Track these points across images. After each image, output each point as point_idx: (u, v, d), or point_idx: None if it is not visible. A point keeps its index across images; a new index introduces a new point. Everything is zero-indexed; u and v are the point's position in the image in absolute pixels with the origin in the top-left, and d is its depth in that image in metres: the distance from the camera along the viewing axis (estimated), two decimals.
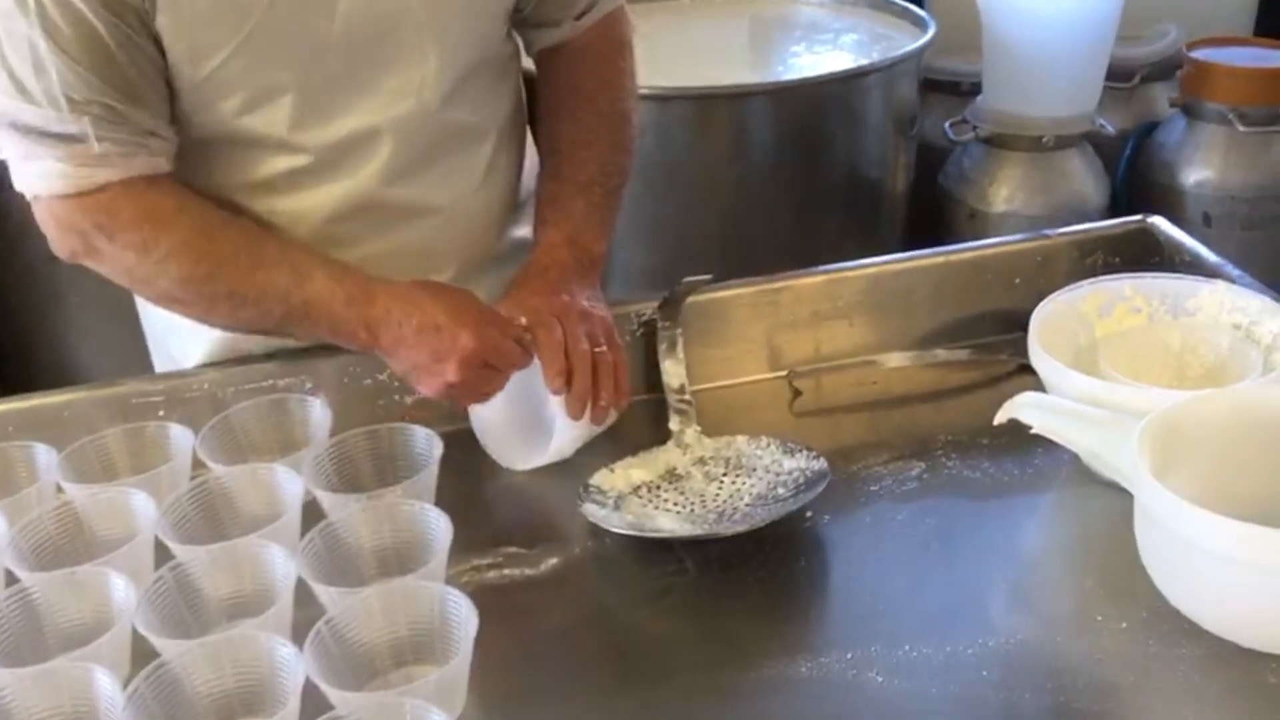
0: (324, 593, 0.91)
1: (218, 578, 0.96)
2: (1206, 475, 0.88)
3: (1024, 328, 1.19)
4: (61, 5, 0.96)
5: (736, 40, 2.56)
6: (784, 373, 1.22)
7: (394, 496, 1.00)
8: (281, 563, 0.93)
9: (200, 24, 1.01)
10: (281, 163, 1.11)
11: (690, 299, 1.20)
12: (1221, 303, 1.07)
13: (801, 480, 1.02)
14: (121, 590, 0.92)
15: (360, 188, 1.14)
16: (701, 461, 1.09)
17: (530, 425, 1.11)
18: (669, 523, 1.02)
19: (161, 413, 1.15)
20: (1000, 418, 0.98)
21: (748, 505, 1.03)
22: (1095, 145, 2.54)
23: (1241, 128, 2.48)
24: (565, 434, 1.08)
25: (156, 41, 1.01)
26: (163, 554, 0.97)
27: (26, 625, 0.93)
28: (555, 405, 1.07)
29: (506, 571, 1.00)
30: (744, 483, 1.05)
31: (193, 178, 1.10)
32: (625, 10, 1.25)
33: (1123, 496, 0.92)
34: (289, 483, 1.02)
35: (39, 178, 1.02)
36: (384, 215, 1.16)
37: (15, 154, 1.03)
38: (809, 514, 1.02)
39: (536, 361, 1.07)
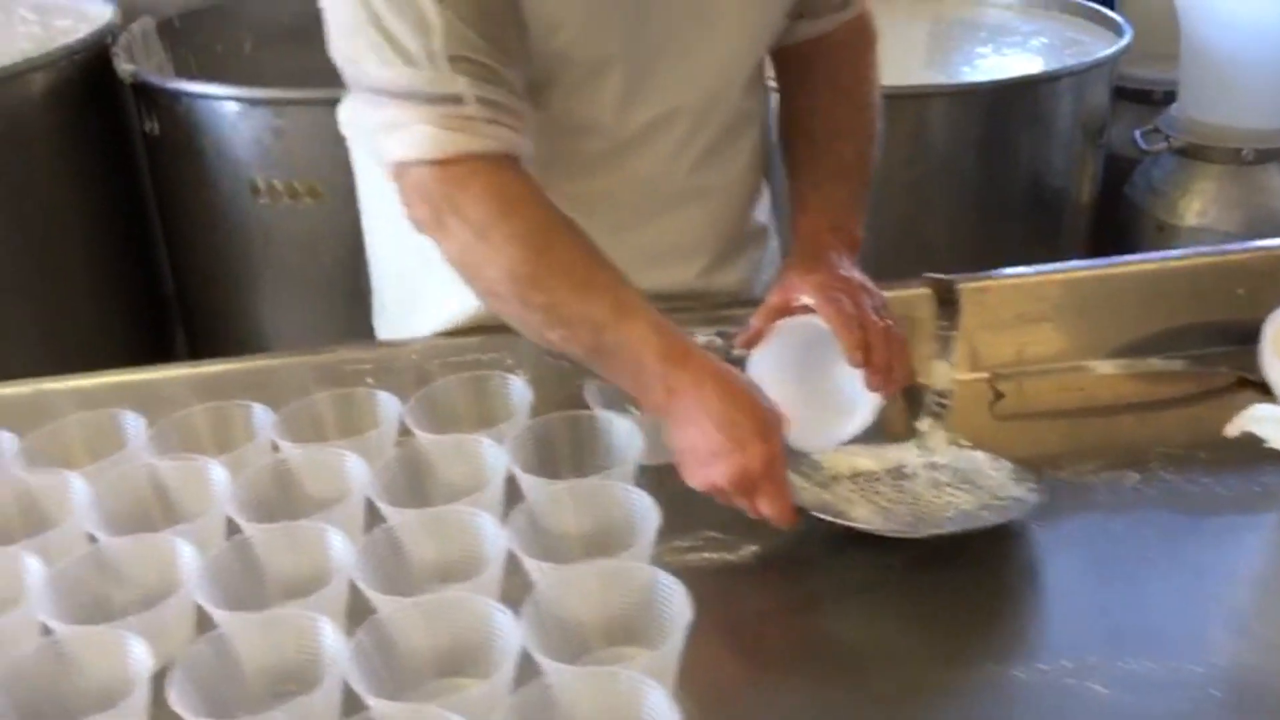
0: (534, 567, 0.92)
1: (425, 543, 0.98)
2: None
3: (1244, 340, 1.14)
4: None
5: (918, 40, 2.52)
6: (985, 375, 1.19)
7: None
8: (491, 531, 0.95)
9: (546, 5, 1.03)
10: (590, 144, 1.13)
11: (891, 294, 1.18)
12: None
13: (1013, 509, 1.00)
14: (339, 546, 0.95)
15: (651, 170, 1.16)
16: (933, 466, 1.07)
17: (817, 403, 1.09)
18: (865, 514, 1.01)
19: (370, 380, 1.18)
20: (1232, 430, 0.94)
21: (949, 518, 1.01)
22: None
23: None
24: (865, 408, 1.06)
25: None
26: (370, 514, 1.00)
27: (247, 574, 0.97)
28: (849, 380, 1.06)
29: (707, 555, 1.00)
30: (962, 498, 1.03)
31: None
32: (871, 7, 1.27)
33: None
34: (494, 456, 1.04)
35: (406, 144, 1.02)
36: (663, 199, 1.18)
37: (382, 123, 1.04)
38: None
39: (820, 337, 1.05)
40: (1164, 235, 2.41)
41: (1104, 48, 2.33)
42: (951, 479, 1.05)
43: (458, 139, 1.01)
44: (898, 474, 1.06)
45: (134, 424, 1.12)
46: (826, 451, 1.07)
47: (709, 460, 0.97)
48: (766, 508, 0.97)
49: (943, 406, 1.11)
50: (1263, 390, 1.09)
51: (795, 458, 1.03)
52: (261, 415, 1.13)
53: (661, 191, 1.18)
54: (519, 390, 1.14)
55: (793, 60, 1.22)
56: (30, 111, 2.02)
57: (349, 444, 1.08)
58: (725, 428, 0.96)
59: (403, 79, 1.01)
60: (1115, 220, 2.50)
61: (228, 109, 1.96)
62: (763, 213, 1.31)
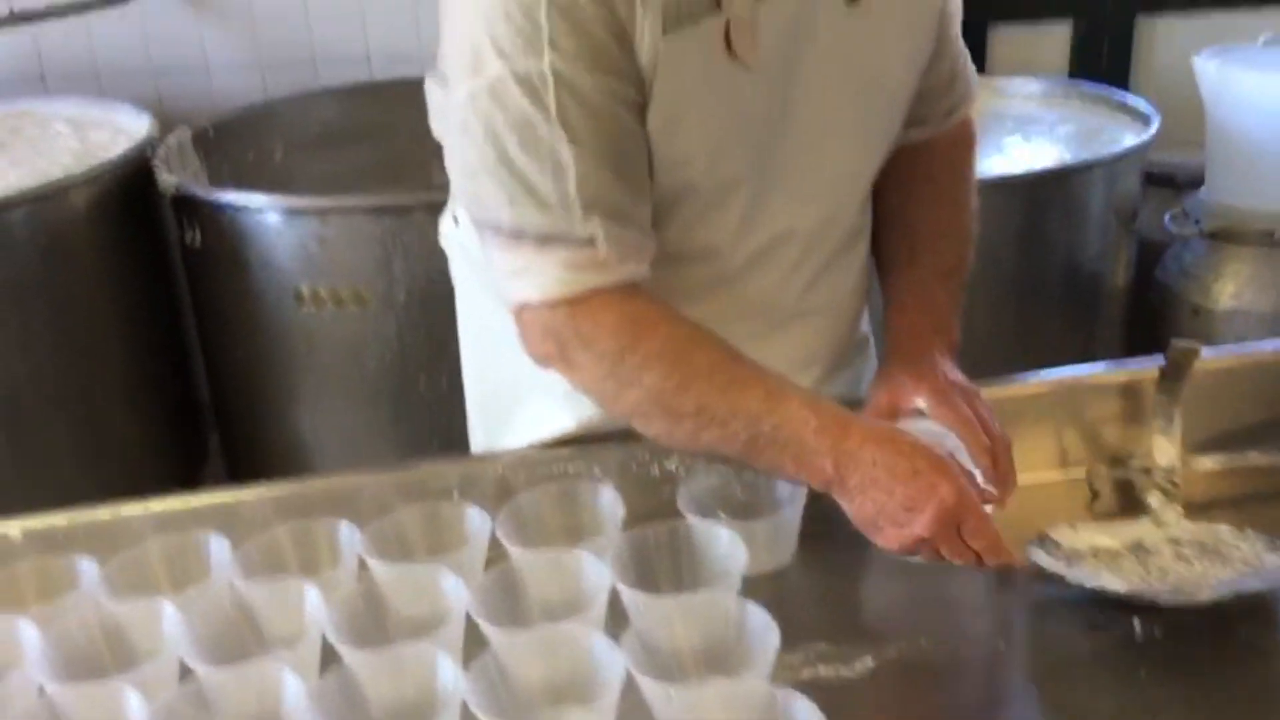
0: (649, 688, 0.89)
1: (533, 664, 0.95)
2: None
3: None
4: (583, 105, 0.97)
5: None
6: (1081, 473, 1.18)
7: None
8: (604, 652, 0.92)
9: (679, 137, 1.03)
10: (704, 271, 1.12)
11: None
12: None
13: None
14: (447, 671, 0.92)
15: (764, 293, 1.15)
16: (1175, 541, 1.06)
17: None
18: (1119, 584, 1.00)
19: (456, 494, 1.16)
20: None
21: (1212, 586, 0.99)
22: None
23: None
24: None
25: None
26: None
27: (349, 703, 0.93)
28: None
29: (821, 671, 0.97)
30: (1215, 569, 1.01)
31: None
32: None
33: None
34: (595, 571, 1.02)
35: (535, 286, 1.02)
36: (775, 319, 1.17)
37: (511, 268, 1.03)
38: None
39: (933, 442, 1.03)
40: (1200, 319, 2.42)
41: (1126, 133, 2.37)
42: (1199, 553, 1.04)
43: (587, 278, 1.01)
44: (1139, 549, 1.05)
45: (218, 547, 1.10)
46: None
47: (904, 516, 0.96)
48: (977, 541, 0.96)
49: (1173, 483, 1.10)
50: None
51: (1039, 538, 1.05)
52: (348, 533, 1.10)
53: (773, 312, 1.17)
54: (609, 500, 1.12)
55: (894, 159, 1.21)
56: (72, 226, 2.02)
57: (445, 560, 1.06)
58: (908, 479, 0.96)
59: (535, 222, 1.01)
60: (1150, 304, 2.51)
61: (271, 218, 1.97)
62: (864, 321, 1.30)
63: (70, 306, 2.05)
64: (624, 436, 1.16)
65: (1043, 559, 1.01)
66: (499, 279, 1.06)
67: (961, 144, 1.26)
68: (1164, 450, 1.12)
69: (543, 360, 1.07)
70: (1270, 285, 2.37)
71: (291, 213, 1.95)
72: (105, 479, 2.13)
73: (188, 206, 2.06)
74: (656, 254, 1.08)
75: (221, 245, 2.03)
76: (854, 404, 1.14)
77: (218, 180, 2.28)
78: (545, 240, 1.00)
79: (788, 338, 1.18)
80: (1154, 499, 1.11)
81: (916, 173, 1.22)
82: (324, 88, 2.68)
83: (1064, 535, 1.05)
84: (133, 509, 1.16)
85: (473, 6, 0.99)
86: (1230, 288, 2.39)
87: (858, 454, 0.97)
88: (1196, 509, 1.14)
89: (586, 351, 1.03)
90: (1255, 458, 1.15)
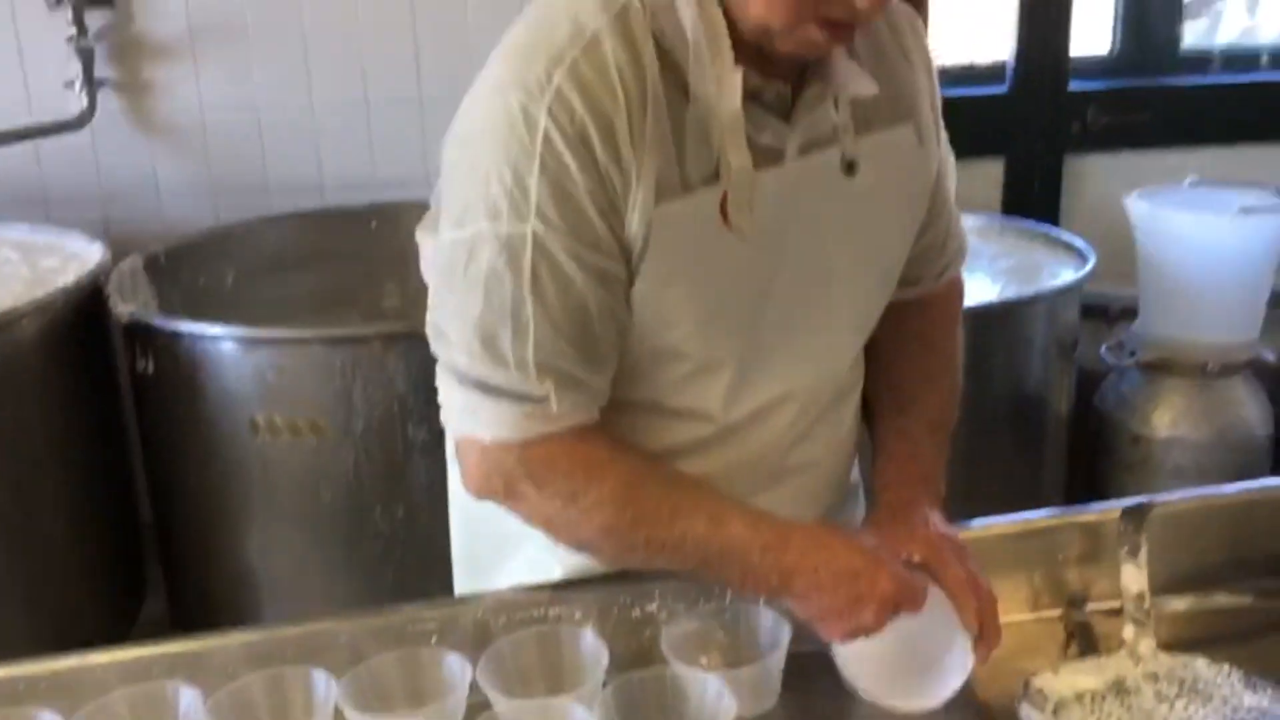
0: None
1: None
2: None
3: None
4: (555, 274, 1.00)
5: None
6: (1057, 612, 1.19)
7: None
8: None
9: (668, 306, 1.05)
10: (695, 430, 1.13)
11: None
12: None
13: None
14: None
15: (758, 451, 1.16)
16: (1154, 678, 1.07)
17: (915, 661, 1.08)
18: None
19: (435, 639, 1.14)
20: None
21: None
22: (1256, 372, 2.54)
23: None
24: (964, 672, 1.06)
25: (630, 311, 1.05)
26: None
27: None
28: (943, 637, 1.06)
29: None
30: (1197, 711, 1.03)
31: None
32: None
33: None
34: None
35: (486, 425, 1.04)
36: (771, 473, 1.18)
37: (463, 405, 1.06)
38: None
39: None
40: (1139, 447, 2.49)
41: (1062, 267, 2.46)
42: (1179, 691, 1.05)
43: (539, 426, 1.04)
44: (1120, 689, 1.06)
45: (188, 698, 1.06)
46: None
47: (852, 610, 1.03)
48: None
49: (1145, 613, 1.12)
50: None
51: (1024, 688, 1.06)
52: (323, 682, 1.08)
53: (765, 469, 1.18)
54: (592, 645, 1.11)
55: (885, 313, 1.23)
56: (20, 354, 1.99)
57: (421, 713, 1.04)
58: (850, 579, 1.03)
59: (490, 375, 1.03)
60: (1092, 431, 2.58)
61: (228, 347, 1.95)
62: (854, 470, 1.32)
63: (14, 433, 2.00)
64: (604, 579, 1.16)
65: (1033, 716, 1.02)
66: (449, 411, 1.08)
67: (951, 301, 1.30)
68: (1133, 578, 1.14)
69: (483, 494, 1.09)
70: (1204, 415, 2.45)
71: (249, 342, 1.94)
72: (44, 608, 2.06)
73: (141, 335, 2.04)
74: (650, 411, 1.10)
75: (176, 373, 2.00)
76: None
77: (169, 306, 2.26)
78: (498, 392, 1.03)
79: (780, 492, 1.18)
80: (1127, 631, 1.12)
81: (907, 328, 1.25)
82: (276, 213, 2.68)
83: (1047, 682, 1.06)
84: (97, 657, 1.12)
85: (470, 164, 1.02)
86: (1167, 417, 2.47)
87: (800, 564, 1.04)
88: (1169, 649, 1.16)
89: (538, 491, 1.06)
90: (1222, 599, 1.18)
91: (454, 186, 1.04)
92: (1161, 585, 1.20)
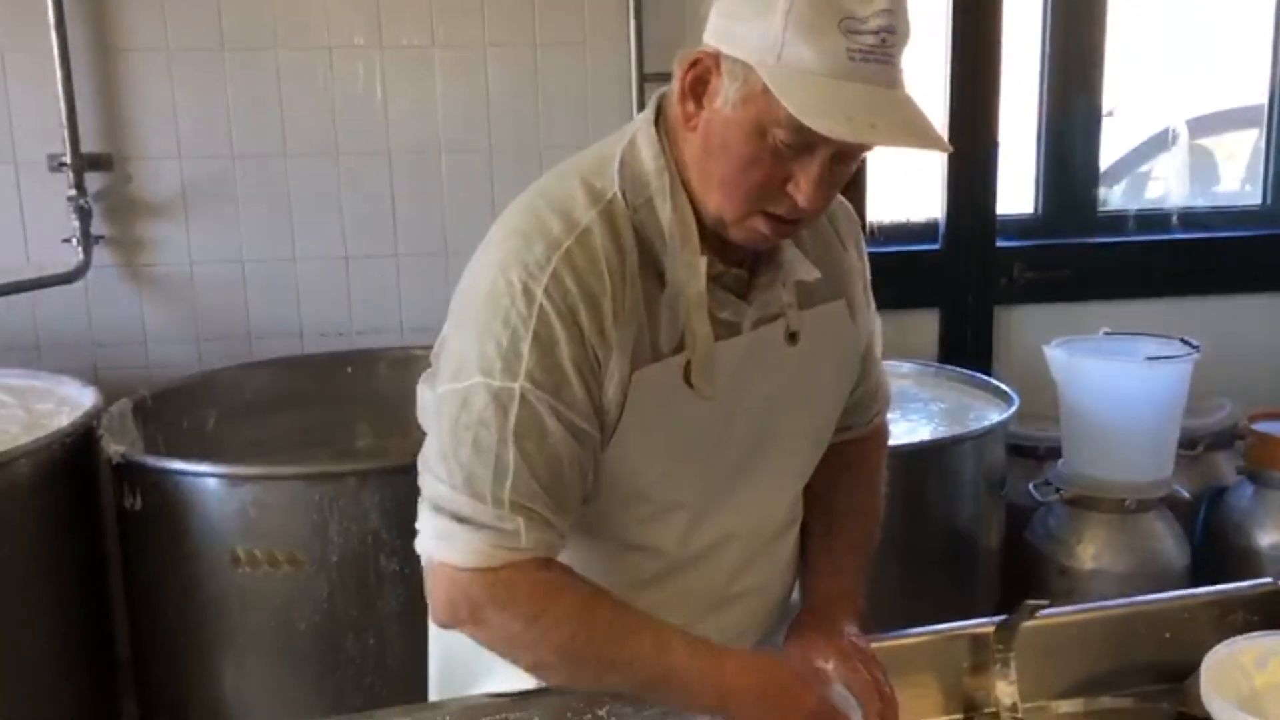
0: None
1: None
2: None
3: (1177, 678, 1.32)
4: (537, 427, 1.15)
5: None
6: (990, 714, 1.33)
7: None
8: None
9: (636, 458, 1.21)
10: (653, 565, 1.29)
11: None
12: None
13: None
14: None
15: (706, 582, 1.32)
16: None
17: None
18: None
19: None
20: None
21: None
22: (1171, 507, 2.72)
23: None
24: None
25: (595, 462, 1.21)
26: None
27: None
28: None
29: None
30: None
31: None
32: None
33: None
34: None
35: (457, 552, 1.17)
36: (717, 601, 1.34)
37: (437, 532, 1.18)
38: None
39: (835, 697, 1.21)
40: (1067, 578, 2.65)
41: (991, 410, 2.65)
42: None
43: (505, 555, 1.17)
44: None
45: None
46: None
47: None
48: None
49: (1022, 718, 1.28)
50: None
51: None
52: None
53: (712, 598, 1.34)
54: None
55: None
56: (14, 493, 2.10)
57: None
58: (778, 696, 1.17)
59: (468, 509, 1.17)
60: (1022, 563, 2.74)
61: (213, 484, 2.09)
62: (795, 593, 1.46)
63: (4, 570, 2.10)
64: (560, 690, 1.29)
65: None
66: (424, 537, 1.21)
67: (878, 441, 1.50)
68: (1005, 692, 1.30)
69: (451, 620, 1.21)
70: (1126, 548, 2.63)
71: (233, 479, 2.08)
72: None
73: (131, 473, 2.17)
74: (610, 546, 1.27)
75: (163, 509, 2.13)
76: None
77: (153, 446, 2.39)
78: (471, 524, 1.17)
79: (723, 617, 1.34)
80: None
81: (839, 463, 1.42)
82: (258, 359, 2.85)
83: None
84: None
85: (472, 326, 1.18)
86: (1091, 549, 2.64)
87: (735, 686, 1.18)
88: None
89: (501, 613, 1.19)
90: (1107, 701, 1.33)
91: (455, 345, 1.21)
92: (1053, 690, 1.36)
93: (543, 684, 1.29)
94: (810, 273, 1.26)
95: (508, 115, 2.91)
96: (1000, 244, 3.26)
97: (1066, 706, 1.34)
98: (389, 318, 2.96)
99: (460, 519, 1.17)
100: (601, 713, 1.30)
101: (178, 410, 2.60)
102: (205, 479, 2.10)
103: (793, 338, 1.27)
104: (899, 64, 1.11)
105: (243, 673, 2.17)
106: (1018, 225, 3.33)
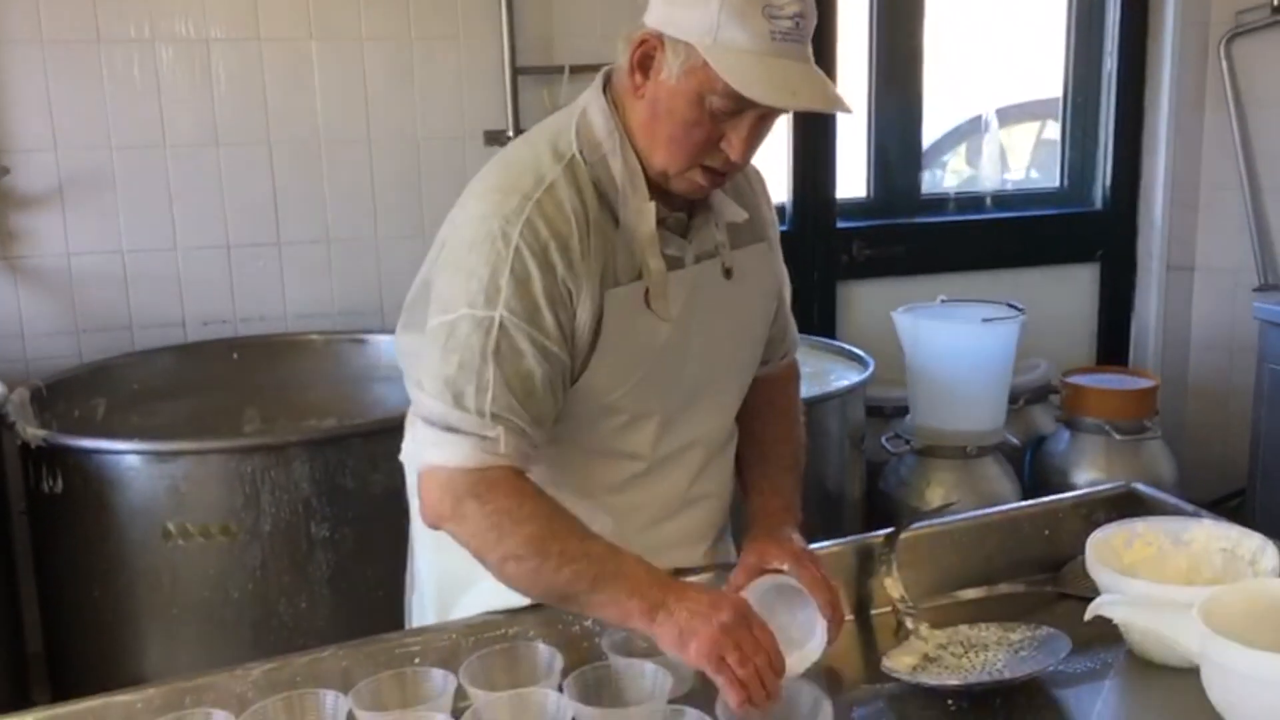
0: None
1: None
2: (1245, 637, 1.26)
3: (1057, 567, 1.59)
4: (512, 349, 1.36)
5: None
6: (888, 608, 1.57)
7: None
8: None
9: (611, 373, 1.41)
10: (628, 469, 1.49)
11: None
12: (1210, 534, 1.50)
13: (1037, 643, 1.41)
14: None
15: (673, 487, 1.53)
16: (942, 647, 1.45)
17: (789, 642, 1.40)
18: (956, 680, 1.38)
19: (418, 660, 1.41)
20: (1088, 615, 1.35)
21: (1003, 667, 1.39)
22: (1004, 453, 3.07)
23: (1117, 436, 3.06)
24: (818, 643, 1.40)
25: (568, 386, 1.40)
26: None
27: None
28: (804, 622, 1.41)
29: None
30: (988, 656, 1.42)
31: (560, 478, 1.45)
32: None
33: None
34: (554, 703, 1.30)
35: (447, 454, 1.37)
36: (682, 504, 1.55)
37: (431, 440, 1.38)
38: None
39: (787, 592, 1.42)
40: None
41: (846, 373, 2.92)
42: (964, 649, 1.44)
43: (488, 458, 1.37)
44: (927, 660, 1.43)
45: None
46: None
47: (700, 627, 1.28)
48: (757, 656, 1.27)
49: (911, 607, 1.51)
50: (1077, 600, 1.52)
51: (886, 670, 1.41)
52: (332, 700, 1.33)
53: (676, 501, 1.55)
54: (547, 654, 1.40)
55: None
56: None
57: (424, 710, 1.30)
58: (704, 611, 1.29)
59: (456, 420, 1.37)
60: (879, 509, 3.03)
61: (144, 461, 2.15)
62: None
63: None
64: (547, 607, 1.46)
65: (900, 675, 1.41)
66: (420, 445, 1.41)
67: (791, 377, 1.74)
68: (891, 587, 1.55)
69: (434, 517, 1.40)
70: (969, 489, 2.95)
71: (165, 455, 2.14)
72: None
73: (52, 456, 2.20)
74: (592, 451, 1.45)
75: (86, 490, 2.17)
76: (726, 568, 1.51)
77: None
78: (460, 432, 1.37)
79: (689, 517, 1.56)
80: (908, 621, 1.51)
81: (763, 398, 1.65)
82: (141, 349, 2.87)
83: (895, 661, 1.43)
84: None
85: (459, 268, 1.39)
86: (940, 491, 2.96)
87: (666, 603, 1.31)
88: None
89: (482, 507, 1.37)
90: (1004, 587, 1.60)
91: (441, 286, 1.41)
92: (958, 582, 1.61)
93: (519, 596, 1.45)
94: (738, 214, 1.51)
95: (385, 106, 3.03)
96: (840, 225, 3.56)
97: (971, 594, 1.59)
98: (273, 305, 3.03)
99: (450, 428, 1.37)
100: (587, 623, 1.48)
101: (69, 400, 2.62)
102: (135, 456, 2.15)
103: (728, 273, 1.51)
104: (808, 41, 1.36)
105: (175, 644, 2.23)
106: (854, 207, 3.64)
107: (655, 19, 1.37)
